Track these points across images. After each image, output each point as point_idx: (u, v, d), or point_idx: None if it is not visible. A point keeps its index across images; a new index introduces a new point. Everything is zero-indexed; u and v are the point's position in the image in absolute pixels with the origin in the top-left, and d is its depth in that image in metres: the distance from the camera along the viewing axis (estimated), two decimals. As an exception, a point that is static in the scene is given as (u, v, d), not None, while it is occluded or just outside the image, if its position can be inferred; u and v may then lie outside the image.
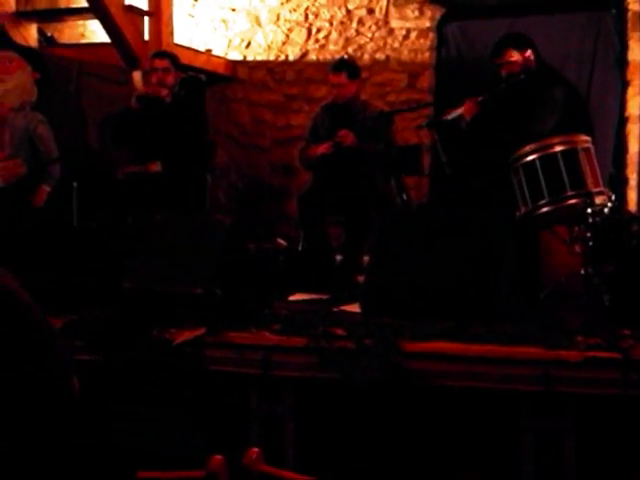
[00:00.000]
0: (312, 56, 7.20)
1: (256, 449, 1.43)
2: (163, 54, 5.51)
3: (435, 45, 6.85)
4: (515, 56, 4.63)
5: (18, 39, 6.36)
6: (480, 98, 4.62)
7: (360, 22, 7.03)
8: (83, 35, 7.61)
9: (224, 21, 7.43)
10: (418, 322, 3.26)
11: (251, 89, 7.42)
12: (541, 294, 4.05)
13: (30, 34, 6.76)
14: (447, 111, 4.73)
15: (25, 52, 5.67)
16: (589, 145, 4.17)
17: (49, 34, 7.25)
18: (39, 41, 6.92)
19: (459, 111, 4.64)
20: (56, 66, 6.13)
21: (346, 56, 6.85)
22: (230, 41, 7.44)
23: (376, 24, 6.99)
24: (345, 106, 5.31)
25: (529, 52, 4.65)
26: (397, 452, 3.15)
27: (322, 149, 5.17)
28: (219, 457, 1.40)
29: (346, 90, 5.25)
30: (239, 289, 3.79)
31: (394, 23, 6.95)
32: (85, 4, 6.26)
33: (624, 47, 6.30)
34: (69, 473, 1.31)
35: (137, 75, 5.99)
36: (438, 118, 4.73)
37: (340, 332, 3.23)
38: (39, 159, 5.22)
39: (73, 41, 7.47)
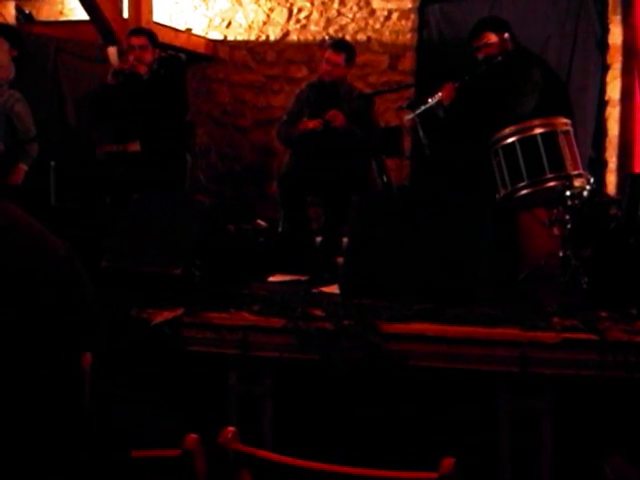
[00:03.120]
0: (293, 36, 7.16)
1: (232, 428, 1.42)
2: (140, 31, 5.43)
3: (417, 26, 6.83)
4: (493, 38, 4.62)
5: (-5, 16, 6.29)
6: (458, 83, 4.61)
7: (341, 2, 7.00)
8: (61, 12, 7.53)
9: (204, 0, 7.37)
10: (397, 303, 3.27)
11: (232, 69, 7.37)
12: (519, 276, 4.07)
13: (8, 11, 6.68)
14: (427, 97, 4.72)
15: (2, 29, 5.60)
16: (569, 128, 4.18)
17: (27, 11, 7.17)
18: (17, 18, 6.84)
19: (437, 97, 4.63)
20: (34, 43, 6.06)
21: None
22: (210, 20, 7.38)
23: (357, 5, 6.96)
24: (332, 86, 5.26)
25: (506, 35, 4.64)
26: (375, 433, 3.16)
27: (312, 124, 5.13)
28: (194, 436, 1.40)
29: (338, 71, 5.21)
30: (218, 270, 3.78)
31: (376, 4, 6.92)
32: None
33: (605, 30, 6.31)
34: (73, 453, 1.31)
35: (112, 50, 5.91)
36: (416, 108, 4.70)
37: (319, 313, 3.23)
38: (16, 137, 5.16)
39: (51, 18, 7.39)
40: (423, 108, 4.63)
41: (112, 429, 1.50)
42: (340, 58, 5.20)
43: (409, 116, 4.76)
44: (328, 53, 5.26)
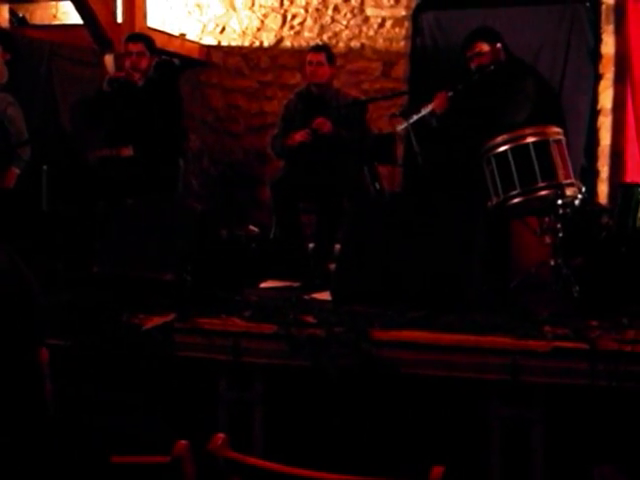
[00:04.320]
0: (287, 43, 7.17)
1: (222, 435, 1.42)
2: (138, 37, 5.41)
3: (410, 34, 6.84)
4: (485, 48, 4.64)
5: (-11, 19, 6.28)
6: (451, 93, 4.63)
7: (336, 9, 7.01)
8: (55, 16, 7.53)
9: (198, 5, 7.37)
10: (389, 311, 3.27)
11: (225, 75, 7.37)
12: (511, 284, 4.07)
13: (1, 14, 6.67)
14: (420, 106, 4.73)
15: (-4, 33, 5.60)
16: (561, 137, 4.19)
17: (21, 15, 7.16)
18: (10, 22, 6.83)
19: (430, 107, 4.63)
20: (27, 47, 6.05)
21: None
22: (204, 26, 7.38)
23: (352, 12, 6.97)
24: (319, 93, 5.30)
25: (499, 45, 4.67)
26: (366, 440, 3.16)
27: (300, 136, 5.14)
28: (184, 442, 1.39)
29: (322, 71, 5.24)
30: (210, 275, 3.77)
31: (369, 11, 6.93)
32: (57, -15, 6.20)
33: (597, 40, 6.33)
34: (47, 457, 1.30)
35: (109, 58, 5.92)
36: (408, 117, 4.71)
37: (310, 320, 3.23)
38: (9, 141, 5.15)
39: (45, 22, 7.39)
40: (416, 118, 4.64)
41: (89, 431, 1.48)
42: (321, 56, 5.27)
43: (402, 126, 4.77)
44: (309, 56, 5.36)
